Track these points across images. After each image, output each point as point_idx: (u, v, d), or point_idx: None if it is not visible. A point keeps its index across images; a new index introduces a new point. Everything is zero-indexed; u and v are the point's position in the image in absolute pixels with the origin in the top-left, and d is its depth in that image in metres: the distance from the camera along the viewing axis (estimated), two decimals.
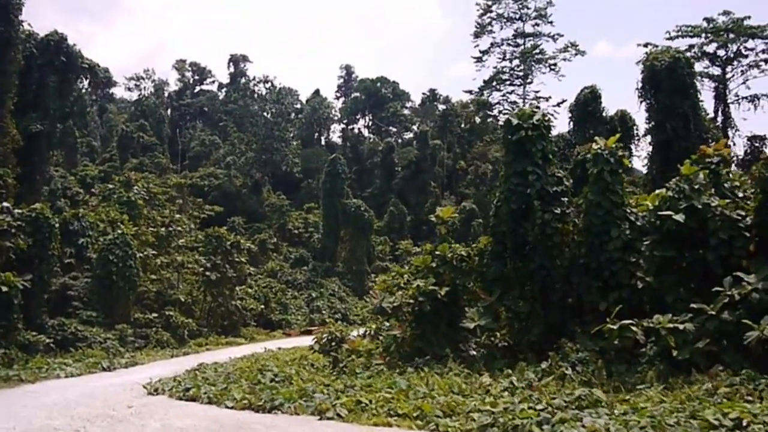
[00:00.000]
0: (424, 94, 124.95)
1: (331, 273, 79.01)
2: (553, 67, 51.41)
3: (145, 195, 52.80)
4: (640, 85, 47.36)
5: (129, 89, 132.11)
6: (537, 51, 51.15)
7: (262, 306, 60.67)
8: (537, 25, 52.29)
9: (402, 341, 25.56)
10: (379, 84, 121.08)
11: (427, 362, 22.86)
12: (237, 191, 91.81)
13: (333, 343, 31.13)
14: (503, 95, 53.29)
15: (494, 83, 52.46)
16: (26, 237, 36.17)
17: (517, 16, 51.77)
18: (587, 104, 52.12)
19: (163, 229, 51.13)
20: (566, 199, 23.94)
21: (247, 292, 60.14)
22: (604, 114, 52.72)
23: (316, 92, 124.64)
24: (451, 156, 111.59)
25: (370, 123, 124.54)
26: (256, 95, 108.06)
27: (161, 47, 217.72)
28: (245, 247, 58.09)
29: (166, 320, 46.45)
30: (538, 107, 52.43)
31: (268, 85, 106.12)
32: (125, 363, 34.24)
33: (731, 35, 47.03)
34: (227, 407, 17.34)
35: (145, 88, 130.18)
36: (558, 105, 53.89)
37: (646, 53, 47.87)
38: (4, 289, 29.49)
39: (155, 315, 45.43)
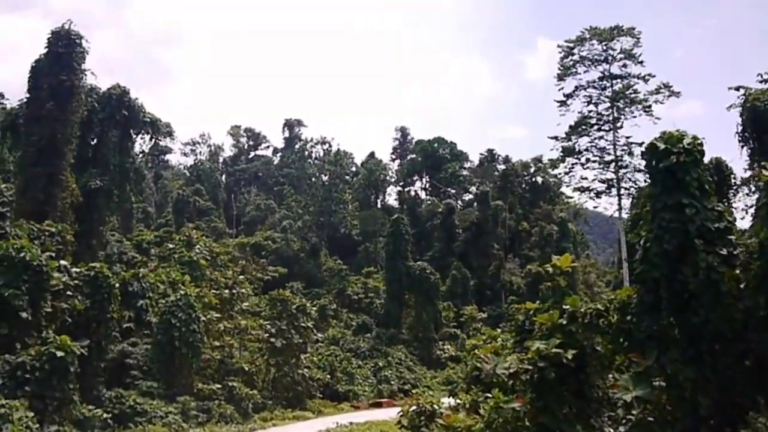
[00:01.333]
0: (481, 154, 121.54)
1: (396, 340, 74.40)
2: (647, 109, 47.21)
3: (207, 255, 49.37)
4: (740, 128, 43.08)
5: (185, 154, 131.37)
6: (630, 91, 47.07)
7: (328, 376, 56.28)
8: (625, 66, 48.27)
9: (522, 416, 21.15)
10: (436, 144, 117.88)
11: None
12: (295, 255, 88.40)
13: (422, 418, 27.08)
14: (591, 141, 48.94)
15: (581, 128, 48.23)
16: (84, 298, 32.86)
17: (602, 58, 47.95)
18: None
19: (226, 291, 47.47)
20: (732, 237, 19.54)
21: (312, 361, 55.97)
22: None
23: (371, 155, 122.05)
24: (513, 217, 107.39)
25: (427, 185, 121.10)
26: (313, 157, 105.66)
27: (214, 117, 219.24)
28: (311, 311, 54.06)
29: (229, 392, 42.41)
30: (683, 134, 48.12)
31: (326, 146, 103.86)
32: None
33: None
34: None
35: (200, 153, 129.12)
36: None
37: (744, 95, 43.56)
38: (60, 354, 25.74)
39: (218, 386, 41.43)
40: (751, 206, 48.69)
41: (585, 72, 48.17)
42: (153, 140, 54.45)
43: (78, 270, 33.52)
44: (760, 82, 46.86)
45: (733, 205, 48.77)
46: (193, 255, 47.16)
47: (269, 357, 49.94)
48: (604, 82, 47.61)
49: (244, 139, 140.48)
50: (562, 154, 49.61)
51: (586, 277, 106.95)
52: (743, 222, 47.29)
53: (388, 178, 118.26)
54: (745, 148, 42.58)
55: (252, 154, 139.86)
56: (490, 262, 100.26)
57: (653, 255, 18.76)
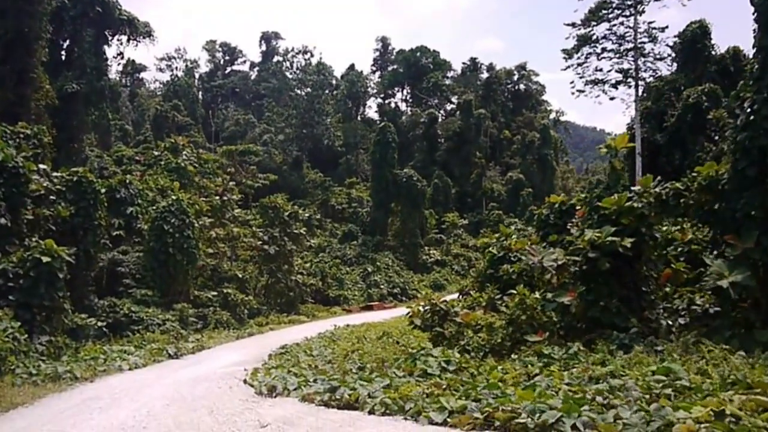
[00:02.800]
0: (464, 63, 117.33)
1: (382, 247, 72.15)
2: None
3: (194, 162, 46.01)
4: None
5: (160, 70, 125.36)
6: None
7: (319, 282, 54.03)
8: None
9: (573, 311, 18.76)
10: (418, 54, 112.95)
11: (624, 337, 16.28)
12: (277, 168, 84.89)
13: (436, 317, 24.85)
14: (609, 28, 44.84)
15: (600, 13, 43.95)
16: (68, 204, 29.64)
17: None
18: (695, 41, 44.60)
19: (216, 198, 44.35)
20: None
21: (303, 268, 53.62)
22: (714, 52, 45.19)
23: (351, 67, 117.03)
24: (495, 125, 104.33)
25: (409, 96, 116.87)
26: (294, 67, 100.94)
27: (189, 34, 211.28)
28: (303, 217, 51.26)
29: (224, 298, 39.99)
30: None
31: (307, 56, 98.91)
32: (192, 348, 27.75)
33: None
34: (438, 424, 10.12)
35: (176, 68, 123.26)
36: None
37: None
38: (46, 259, 22.68)
39: (213, 293, 38.86)
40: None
41: None
42: (131, 41, 49.93)
43: (59, 175, 30.18)
44: None
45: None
46: (181, 161, 43.75)
47: (262, 264, 47.48)
48: None
49: (220, 54, 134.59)
50: (576, 42, 45.64)
51: (564, 183, 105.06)
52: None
53: (368, 90, 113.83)
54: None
55: (228, 69, 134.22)
56: (471, 171, 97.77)
57: (762, 119, 15.56)
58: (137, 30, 49.68)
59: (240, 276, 44.09)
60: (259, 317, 42.30)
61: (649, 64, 45.15)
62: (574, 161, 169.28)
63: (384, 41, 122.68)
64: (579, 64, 45.87)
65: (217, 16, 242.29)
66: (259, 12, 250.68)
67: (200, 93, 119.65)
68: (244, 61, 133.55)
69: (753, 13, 17.12)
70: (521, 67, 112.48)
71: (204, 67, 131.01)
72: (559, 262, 19.65)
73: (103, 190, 32.18)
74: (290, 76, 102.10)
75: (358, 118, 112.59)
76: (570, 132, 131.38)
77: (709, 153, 41.64)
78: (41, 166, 29.88)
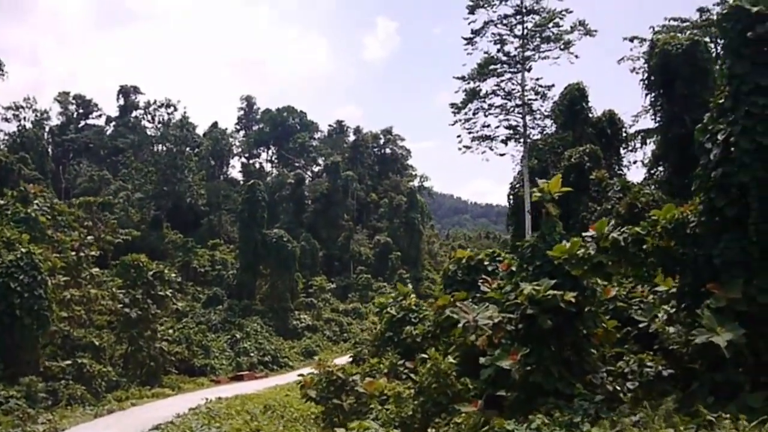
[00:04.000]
0: (330, 125, 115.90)
1: (250, 312, 67.56)
2: (565, 46, 42.19)
3: (47, 212, 40.49)
4: (645, 75, 39.90)
5: (6, 120, 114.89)
6: (544, 28, 41.58)
7: (186, 350, 49.00)
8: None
9: (516, 376, 16.12)
10: (285, 113, 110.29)
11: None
12: (135, 227, 78.64)
13: (332, 387, 21.86)
14: (497, 84, 43.48)
15: (487, 69, 42.54)
16: None
17: None
18: (573, 103, 44.28)
19: (72, 254, 38.94)
20: None
21: (167, 334, 48.48)
22: (591, 114, 45.07)
23: (214, 125, 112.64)
24: (362, 188, 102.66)
25: (274, 156, 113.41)
26: (156, 121, 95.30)
27: (39, 83, 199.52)
28: (169, 277, 46.39)
29: (79, 370, 34.70)
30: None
31: (170, 109, 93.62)
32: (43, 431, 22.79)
33: None
34: None
35: (25, 118, 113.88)
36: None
37: (654, 40, 40.22)
38: None
39: (67, 363, 33.50)
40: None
41: (498, 5, 42.43)
42: None
43: None
44: (663, 29, 44.17)
45: (623, 158, 46.11)
46: (31, 211, 38.18)
47: (122, 330, 42.20)
48: (516, 18, 42.36)
49: (73, 107, 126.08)
50: (465, 97, 43.99)
51: (430, 247, 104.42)
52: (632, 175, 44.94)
53: (233, 149, 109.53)
54: (648, 96, 39.39)
55: (83, 122, 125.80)
56: (339, 233, 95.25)
57: (742, 152, 13.42)
58: None
59: (96, 344, 38.73)
60: (117, 391, 37.34)
61: (537, 122, 44.48)
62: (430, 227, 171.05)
63: (249, 100, 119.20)
64: (467, 120, 44.45)
65: (72, 67, 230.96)
66: (117, 66, 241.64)
67: (50, 147, 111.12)
68: (100, 115, 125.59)
69: (720, 40, 15.34)
70: (387, 132, 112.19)
71: (55, 120, 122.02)
72: (495, 320, 16.97)
73: None
74: (151, 131, 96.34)
75: (221, 177, 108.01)
76: (434, 196, 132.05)
77: (594, 213, 40.96)
78: None
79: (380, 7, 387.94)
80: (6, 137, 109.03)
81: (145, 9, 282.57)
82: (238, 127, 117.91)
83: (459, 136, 45.27)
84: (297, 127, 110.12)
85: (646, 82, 39.71)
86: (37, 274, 29.95)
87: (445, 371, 17.89)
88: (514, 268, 19.51)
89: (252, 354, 56.94)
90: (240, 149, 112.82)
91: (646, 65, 39.91)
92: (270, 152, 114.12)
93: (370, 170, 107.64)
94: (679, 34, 39.52)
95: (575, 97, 44.52)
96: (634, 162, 47.60)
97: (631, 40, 45.36)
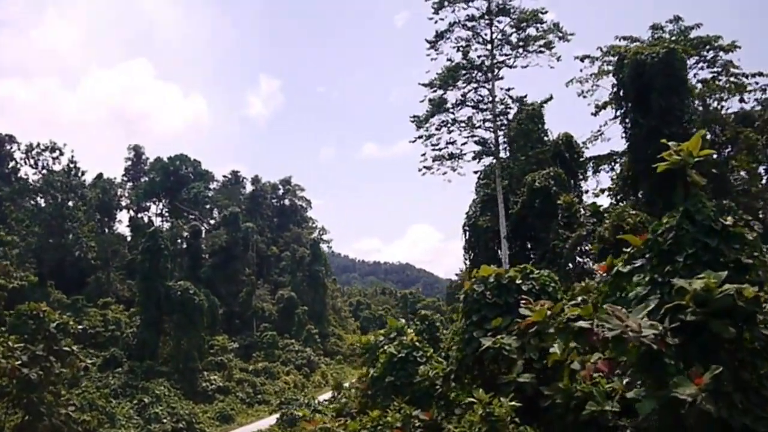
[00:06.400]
0: (225, 176, 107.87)
1: (153, 374, 58.97)
2: (543, 49, 37.66)
3: None
4: (614, 89, 36.51)
5: None
6: (528, 28, 36.95)
7: (94, 418, 40.60)
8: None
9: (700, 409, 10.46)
10: (178, 162, 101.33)
11: None
12: (18, 287, 68.36)
13: None
14: (464, 94, 38.52)
15: (454, 76, 37.51)
16: None
17: None
18: (524, 122, 40.26)
19: None
20: None
21: (67, 400, 39.89)
22: (546, 137, 41.15)
23: (99, 176, 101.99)
24: (263, 240, 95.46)
25: (165, 209, 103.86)
26: (39, 166, 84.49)
27: None
28: (75, 330, 38.27)
29: None
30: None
31: (55, 153, 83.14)
32: None
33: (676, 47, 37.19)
34: None
35: None
36: (544, 103, 40.59)
37: (620, 51, 36.63)
38: None
39: None
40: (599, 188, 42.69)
41: (466, 4, 37.61)
42: None
43: None
44: (605, 53, 40.82)
45: (584, 183, 42.33)
46: None
47: (18, 394, 33.70)
48: (484, 19, 37.66)
49: None
50: (429, 108, 38.71)
51: (334, 302, 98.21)
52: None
53: (121, 201, 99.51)
54: (618, 110, 35.82)
55: None
56: (239, 289, 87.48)
57: None
58: None
59: None
60: None
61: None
62: None
63: (137, 150, 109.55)
64: (430, 135, 39.31)
65: None
66: None
67: None
68: None
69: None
70: (286, 182, 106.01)
71: None
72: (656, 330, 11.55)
73: None
74: (33, 178, 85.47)
75: (107, 232, 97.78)
76: (330, 244, 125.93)
77: (565, 240, 36.87)
78: None
79: (263, 65, 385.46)
80: None
81: (12, 62, 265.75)
82: (126, 179, 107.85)
83: (423, 155, 40.05)
84: (191, 177, 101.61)
85: (613, 96, 36.41)
86: None
87: (503, 418, 12.35)
88: (622, 268, 14.19)
89: (165, 420, 48.92)
90: (128, 201, 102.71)
91: (614, 77, 36.30)
92: (161, 205, 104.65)
93: (269, 222, 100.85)
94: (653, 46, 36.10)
95: (530, 116, 40.65)
96: (586, 191, 43.57)
97: (582, 59, 41.81)
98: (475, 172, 40.93)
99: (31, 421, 34.23)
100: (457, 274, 78.19)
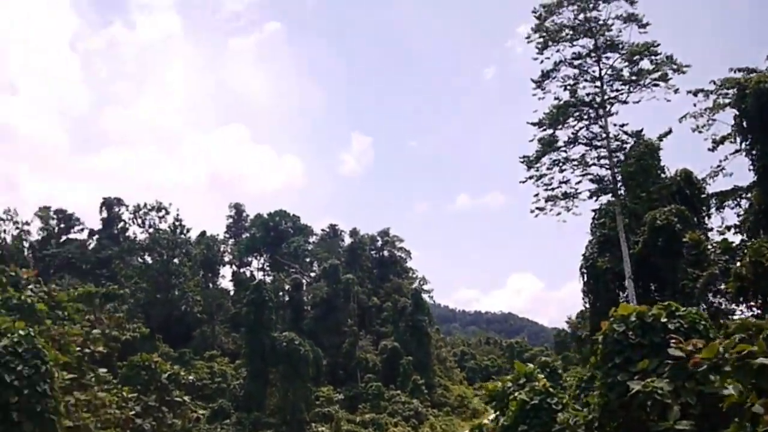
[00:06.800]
0: (323, 230, 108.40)
1: (260, 425, 58.10)
2: (658, 82, 35.57)
3: (44, 298, 32.17)
4: (735, 121, 33.95)
5: None
6: (628, 66, 35.04)
7: None
8: (619, 34, 36.65)
9: None
10: (278, 218, 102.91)
11: None
12: (131, 340, 69.55)
13: None
14: (575, 132, 36.70)
15: (563, 115, 35.85)
16: None
17: (586, 28, 35.81)
18: (641, 159, 37.84)
19: (77, 349, 30.42)
20: None
21: None
22: (664, 174, 38.55)
23: (203, 234, 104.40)
24: (363, 291, 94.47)
25: (266, 264, 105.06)
26: (147, 225, 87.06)
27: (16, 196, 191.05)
28: (186, 380, 37.75)
29: None
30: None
31: (161, 212, 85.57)
32: None
33: None
34: None
35: (5, 231, 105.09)
36: (663, 137, 38.21)
37: (740, 82, 34.14)
38: None
39: None
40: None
41: (571, 44, 36.29)
42: None
43: None
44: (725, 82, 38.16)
45: (707, 221, 39.46)
46: (27, 297, 29.98)
47: None
48: (591, 56, 36.06)
49: (54, 222, 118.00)
50: (539, 147, 37.19)
51: (438, 352, 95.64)
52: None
53: (225, 257, 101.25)
54: (743, 144, 33.18)
55: (64, 237, 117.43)
56: (342, 340, 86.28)
57: None
58: None
59: None
60: None
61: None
62: None
63: (238, 208, 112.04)
64: (541, 176, 37.56)
65: (49, 191, 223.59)
66: (94, 187, 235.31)
67: (31, 262, 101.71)
68: (82, 229, 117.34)
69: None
70: (384, 233, 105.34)
71: (36, 235, 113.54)
72: None
73: None
74: (140, 237, 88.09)
75: (210, 286, 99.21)
76: (433, 301, 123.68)
77: (695, 279, 34.02)
78: None
79: (353, 124, 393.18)
80: None
81: (117, 135, 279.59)
82: (228, 235, 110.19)
83: (536, 195, 38.25)
84: (290, 232, 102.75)
85: (736, 128, 33.83)
86: (40, 364, 21.46)
87: None
88: None
89: None
90: (231, 257, 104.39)
91: (735, 109, 33.79)
92: (262, 259, 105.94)
93: (369, 273, 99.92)
94: None
95: (649, 151, 38.21)
96: (710, 228, 40.37)
97: (695, 93, 39.22)
98: (594, 211, 38.57)
99: None
100: (567, 321, 74.81)
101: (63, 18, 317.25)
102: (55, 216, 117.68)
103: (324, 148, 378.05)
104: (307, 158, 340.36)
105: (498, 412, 22.02)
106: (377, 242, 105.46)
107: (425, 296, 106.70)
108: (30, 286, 32.79)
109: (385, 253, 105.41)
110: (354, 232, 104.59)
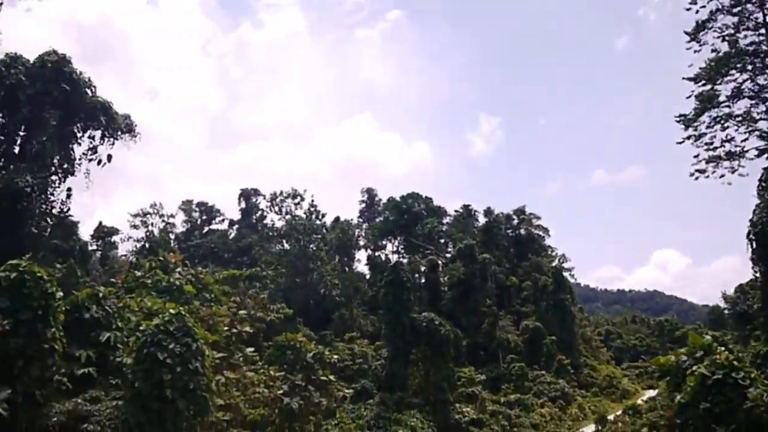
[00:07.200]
0: (456, 211, 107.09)
1: (404, 405, 57.46)
2: None
3: (192, 281, 32.71)
4: None
5: (134, 226, 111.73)
6: None
7: None
8: None
9: None
10: (410, 200, 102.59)
11: None
12: (276, 321, 71.12)
13: None
14: (737, 85, 33.47)
15: (722, 68, 32.67)
16: (0, 318, 16.39)
17: None
18: None
19: (225, 329, 30.75)
20: None
21: (327, 430, 39.26)
22: None
23: (336, 219, 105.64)
24: (501, 271, 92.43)
25: (401, 246, 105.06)
26: (283, 212, 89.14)
27: (160, 188, 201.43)
28: (331, 360, 37.58)
29: None
30: None
31: (297, 199, 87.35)
32: None
33: None
34: None
35: (152, 224, 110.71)
36: None
37: None
38: None
39: None
40: None
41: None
42: (106, 137, 37.24)
43: None
44: None
45: None
46: (176, 280, 30.53)
47: (281, 423, 33.16)
48: (751, 3, 32.81)
49: (197, 214, 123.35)
50: (696, 105, 34.30)
51: (583, 331, 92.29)
52: None
53: (359, 241, 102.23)
54: None
55: (206, 228, 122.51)
56: (481, 320, 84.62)
57: None
58: (114, 121, 37.37)
59: None
60: None
61: None
62: None
63: (370, 192, 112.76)
64: (700, 135, 34.47)
65: (189, 187, 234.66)
66: (233, 181, 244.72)
67: (177, 253, 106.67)
68: (222, 220, 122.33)
69: None
70: (520, 211, 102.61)
71: (180, 227, 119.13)
72: None
73: (59, 301, 18.81)
74: (278, 224, 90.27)
75: (346, 270, 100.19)
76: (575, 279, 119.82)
77: None
78: None
79: (480, 105, 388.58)
80: (134, 244, 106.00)
81: (251, 131, 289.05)
82: (361, 220, 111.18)
83: (696, 156, 35.16)
84: (423, 213, 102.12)
85: None
86: (191, 342, 21.44)
87: None
88: None
89: None
90: (365, 241, 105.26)
91: None
92: (396, 242, 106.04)
93: (505, 253, 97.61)
94: None
95: None
96: None
97: None
98: (764, 170, 34.97)
99: None
100: (723, 297, 69.67)
101: (196, 24, 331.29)
102: (197, 209, 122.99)
103: (451, 131, 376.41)
104: (435, 142, 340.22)
105: (672, 388, 20.15)
106: (513, 221, 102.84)
107: (566, 274, 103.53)
108: (178, 269, 33.47)
109: (522, 231, 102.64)
110: (488, 212, 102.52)
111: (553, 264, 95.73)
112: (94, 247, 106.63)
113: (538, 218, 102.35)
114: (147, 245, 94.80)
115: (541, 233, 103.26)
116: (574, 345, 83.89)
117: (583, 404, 71.18)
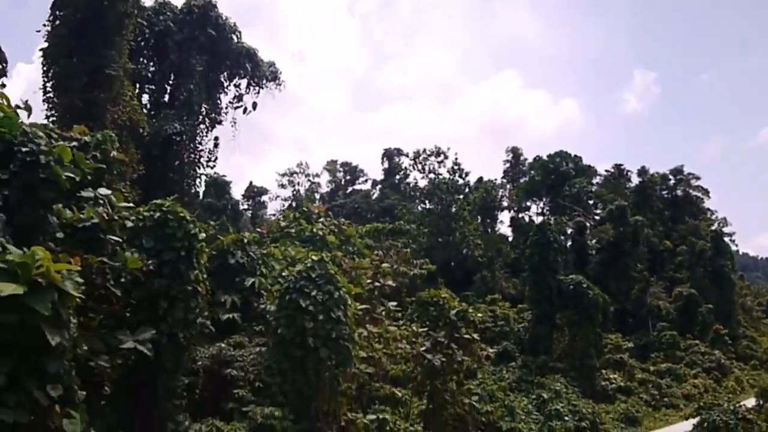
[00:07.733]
0: (607, 170, 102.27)
1: (547, 370, 55.55)
2: None
3: (335, 231, 32.34)
4: None
5: (282, 185, 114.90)
6: None
7: (497, 409, 38.31)
8: None
9: None
10: (558, 159, 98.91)
11: None
12: (418, 276, 70.79)
13: None
14: None
15: None
16: (142, 254, 16.13)
17: None
18: None
19: (368, 282, 30.18)
20: None
21: (469, 389, 38.11)
22: None
23: (480, 179, 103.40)
24: (654, 234, 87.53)
25: (545, 207, 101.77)
26: (426, 170, 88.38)
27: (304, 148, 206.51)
28: (475, 318, 36.34)
29: (380, 428, 25.12)
30: None
31: (440, 157, 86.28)
32: None
33: None
34: None
35: (298, 183, 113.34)
36: None
37: None
38: None
39: (371, 417, 24.02)
40: None
41: None
42: (251, 85, 37.53)
43: (127, 205, 16.94)
44: None
45: None
46: (319, 230, 30.19)
47: (424, 379, 32.40)
48: None
49: (341, 174, 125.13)
50: None
51: (742, 301, 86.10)
52: None
53: (503, 202, 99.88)
54: None
55: (350, 188, 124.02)
56: (631, 286, 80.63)
57: None
58: (260, 69, 37.52)
59: (398, 395, 29.22)
60: None
61: None
62: None
63: (515, 152, 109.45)
64: None
65: (334, 150, 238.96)
66: (376, 143, 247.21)
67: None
68: (366, 180, 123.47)
69: None
70: (678, 171, 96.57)
71: (325, 187, 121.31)
72: None
73: (202, 244, 18.46)
74: (421, 183, 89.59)
75: (488, 231, 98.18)
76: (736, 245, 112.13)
77: None
78: (102, 191, 16.69)
79: (635, 60, 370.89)
80: (282, 203, 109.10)
81: (394, 91, 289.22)
82: (505, 180, 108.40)
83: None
84: (572, 173, 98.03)
85: None
86: (333, 290, 20.80)
87: None
88: None
89: (567, 418, 44.88)
90: (509, 202, 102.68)
91: None
92: (541, 203, 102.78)
93: (660, 215, 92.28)
94: None
95: None
96: None
97: None
98: None
99: (435, 409, 32.72)
100: None
101: None
102: (341, 169, 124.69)
103: (602, 87, 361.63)
104: (584, 99, 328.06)
105: None
106: (669, 181, 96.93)
107: (726, 240, 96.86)
108: (321, 220, 33.20)
109: (679, 192, 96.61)
110: (642, 171, 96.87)
111: (712, 228, 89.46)
112: (245, 207, 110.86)
113: (698, 178, 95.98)
114: (294, 204, 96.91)
115: (699, 195, 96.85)
116: (733, 314, 78.41)
117: (740, 377, 66.46)
